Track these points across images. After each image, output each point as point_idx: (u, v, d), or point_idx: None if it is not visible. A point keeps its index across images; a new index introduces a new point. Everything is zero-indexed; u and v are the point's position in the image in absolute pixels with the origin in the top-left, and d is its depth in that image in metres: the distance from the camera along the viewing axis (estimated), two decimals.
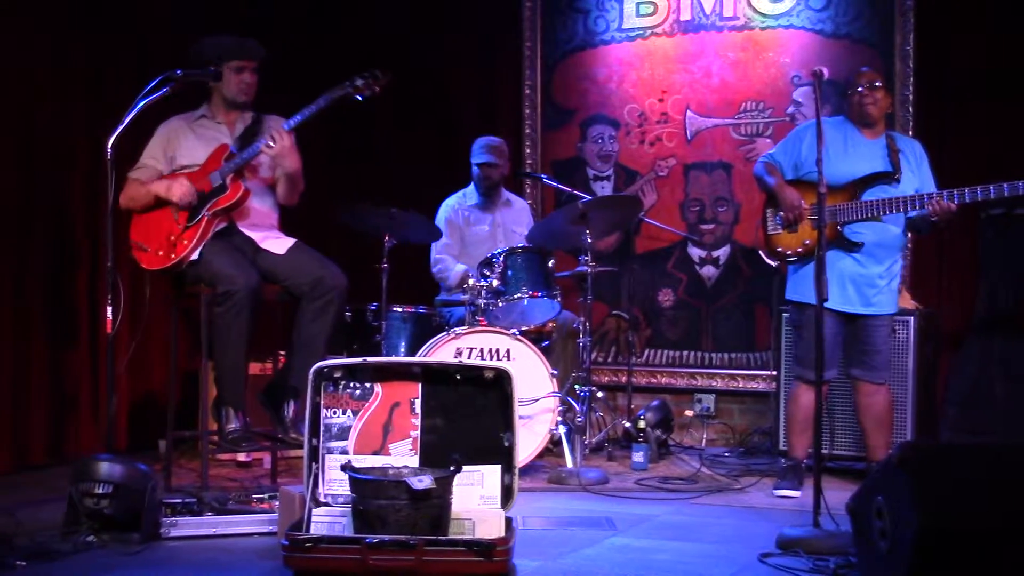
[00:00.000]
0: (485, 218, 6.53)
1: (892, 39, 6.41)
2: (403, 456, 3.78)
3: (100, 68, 5.89)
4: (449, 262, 6.39)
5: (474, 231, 6.51)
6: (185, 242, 4.92)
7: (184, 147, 5.12)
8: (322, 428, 3.78)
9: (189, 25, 6.00)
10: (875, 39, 6.47)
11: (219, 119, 5.20)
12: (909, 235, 5.52)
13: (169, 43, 5.96)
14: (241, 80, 5.12)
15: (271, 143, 4.93)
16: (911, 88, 6.35)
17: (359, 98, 4.93)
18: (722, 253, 6.90)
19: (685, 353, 6.99)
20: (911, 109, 6.34)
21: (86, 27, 5.81)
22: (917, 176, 5.02)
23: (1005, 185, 4.61)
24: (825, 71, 4.26)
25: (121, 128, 4.56)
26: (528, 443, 5.33)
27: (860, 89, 5.03)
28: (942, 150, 5.96)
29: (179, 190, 4.95)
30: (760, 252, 5.26)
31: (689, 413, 6.84)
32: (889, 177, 4.96)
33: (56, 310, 5.68)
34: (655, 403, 6.29)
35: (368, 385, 3.81)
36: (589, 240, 5.58)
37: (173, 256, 4.93)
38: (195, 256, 4.92)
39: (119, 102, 4.84)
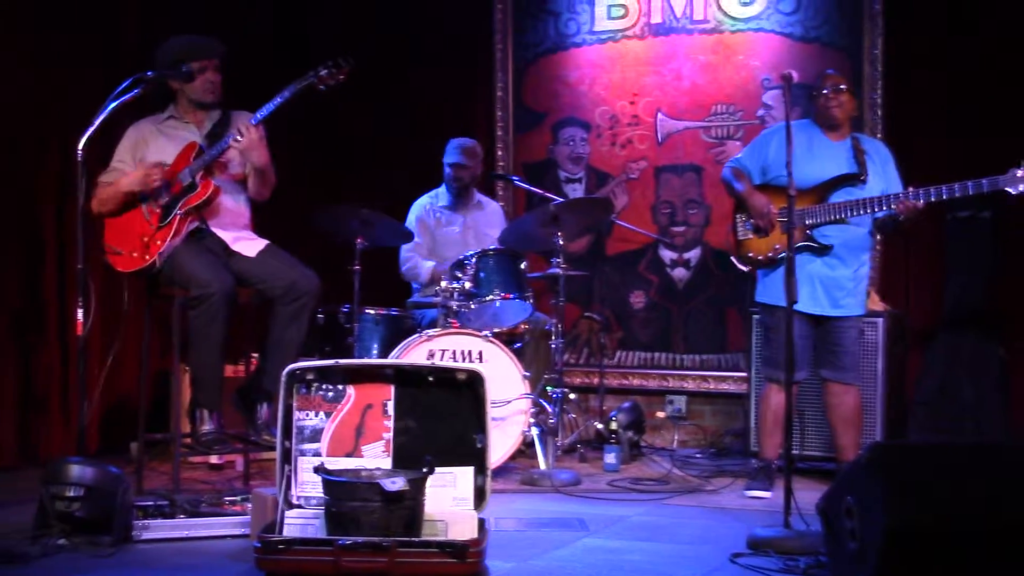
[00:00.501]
0: (456, 219, 6.54)
1: (861, 42, 6.46)
2: (376, 458, 3.78)
3: (70, 69, 5.86)
4: (418, 260, 6.40)
5: (444, 232, 6.52)
6: (158, 242, 4.89)
7: (153, 148, 5.09)
8: (295, 430, 3.77)
9: (160, 25, 5.97)
10: (844, 42, 6.51)
11: (187, 119, 5.17)
12: (877, 236, 5.57)
13: (139, 44, 5.95)
14: (205, 80, 5.10)
15: (239, 137, 4.92)
16: (879, 91, 6.39)
17: (323, 88, 4.90)
18: (693, 255, 6.94)
19: (657, 355, 7.02)
20: (879, 112, 6.39)
21: (57, 27, 5.78)
22: (883, 177, 5.06)
23: (969, 183, 4.65)
24: (794, 74, 4.32)
25: (92, 130, 4.54)
26: (501, 445, 5.34)
27: (825, 92, 5.07)
28: (911, 152, 5.99)
29: (143, 174, 4.92)
30: (732, 258, 5.27)
31: (661, 414, 6.86)
32: (855, 179, 5.00)
33: (27, 312, 5.66)
34: (627, 405, 6.32)
35: (340, 387, 3.82)
36: (561, 242, 5.60)
37: (147, 257, 4.90)
38: (168, 255, 4.89)
39: (89, 103, 4.82)
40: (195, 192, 4.94)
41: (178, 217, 4.92)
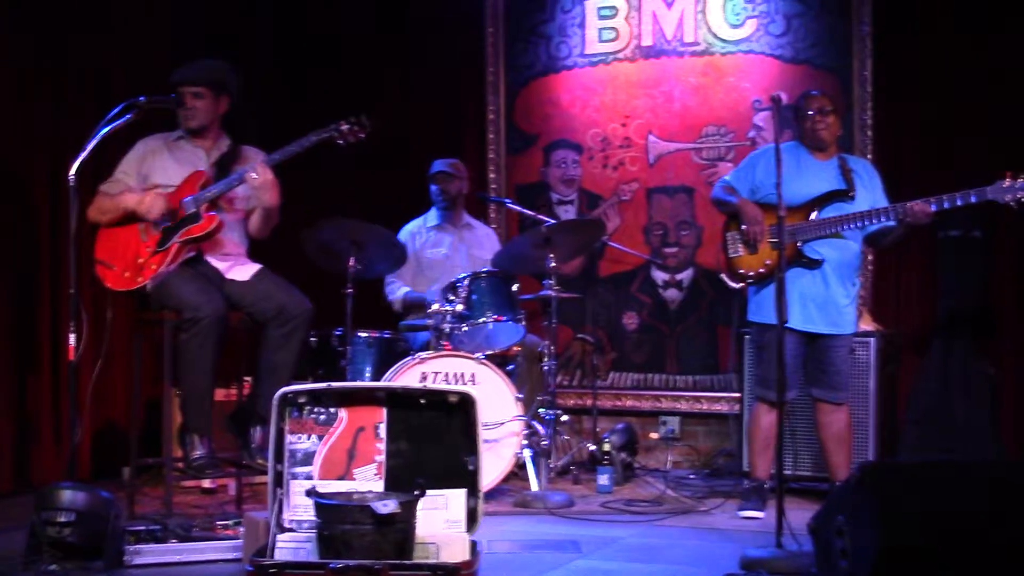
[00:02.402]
0: (443, 240, 6.56)
1: (851, 64, 6.49)
2: (368, 481, 3.78)
3: (62, 97, 5.88)
4: (395, 285, 6.42)
5: (430, 254, 6.54)
6: (153, 267, 4.89)
7: (159, 166, 5.09)
8: (286, 454, 3.77)
9: (153, 53, 6.02)
10: (834, 64, 6.54)
11: (196, 142, 5.17)
12: (869, 256, 5.58)
13: (129, 72, 5.99)
14: (182, 110, 5.09)
15: (254, 175, 4.92)
16: (869, 113, 6.42)
17: (341, 143, 4.94)
18: (685, 276, 6.95)
19: (650, 376, 7.02)
20: (870, 133, 6.42)
21: (50, 58, 5.80)
22: (871, 193, 5.09)
23: (958, 195, 4.69)
24: (784, 96, 4.32)
25: (84, 156, 4.55)
26: (493, 467, 5.33)
27: (811, 114, 5.11)
28: (900, 174, 6.04)
29: (150, 203, 4.92)
30: (722, 275, 5.29)
31: (654, 436, 6.86)
32: (844, 195, 5.03)
33: (19, 337, 5.65)
34: (620, 426, 6.32)
35: (332, 410, 3.81)
36: (553, 264, 5.61)
37: (140, 279, 4.89)
38: (157, 283, 4.89)
39: (81, 130, 4.84)
40: (198, 223, 4.93)
41: (176, 245, 4.91)
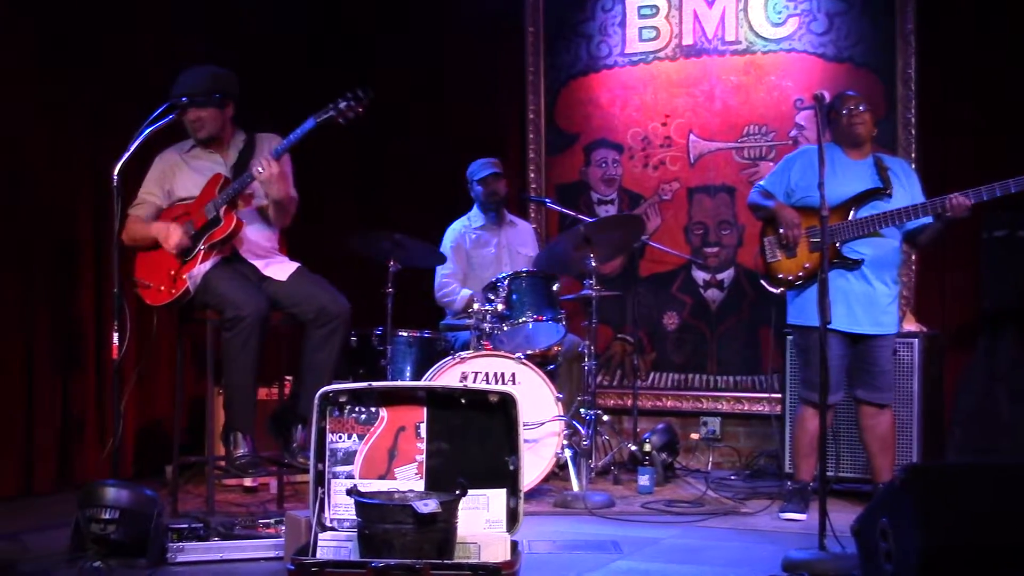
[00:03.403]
0: (491, 240, 6.56)
1: (894, 63, 6.44)
2: (408, 480, 3.78)
3: (104, 99, 5.93)
4: (455, 287, 6.42)
5: (480, 254, 6.53)
6: (184, 277, 4.92)
7: (180, 180, 5.12)
8: (328, 453, 3.78)
9: (192, 55, 6.04)
10: (877, 63, 6.49)
11: (211, 149, 5.18)
12: (912, 255, 5.53)
13: (169, 74, 6.03)
14: (186, 120, 5.07)
15: (260, 170, 4.92)
16: (913, 111, 6.37)
17: (342, 121, 4.88)
18: (726, 276, 6.92)
19: (690, 376, 7.00)
20: (913, 132, 6.36)
21: (90, 64, 5.86)
22: (908, 191, 5.04)
23: (1011, 181, 4.64)
24: (826, 95, 4.29)
25: (127, 155, 4.61)
26: (534, 467, 5.33)
27: (848, 111, 5.06)
28: (946, 174, 5.98)
29: (174, 239, 4.94)
30: (761, 281, 5.26)
31: (695, 436, 6.84)
32: (881, 193, 4.98)
33: (63, 336, 5.71)
34: (661, 426, 6.31)
35: (373, 410, 3.82)
36: (593, 264, 5.60)
37: (174, 291, 4.93)
38: (197, 285, 4.92)
39: (123, 130, 4.88)
40: (219, 227, 4.96)
41: (202, 252, 4.94)
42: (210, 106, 5.05)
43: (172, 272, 4.95)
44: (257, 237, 5.16)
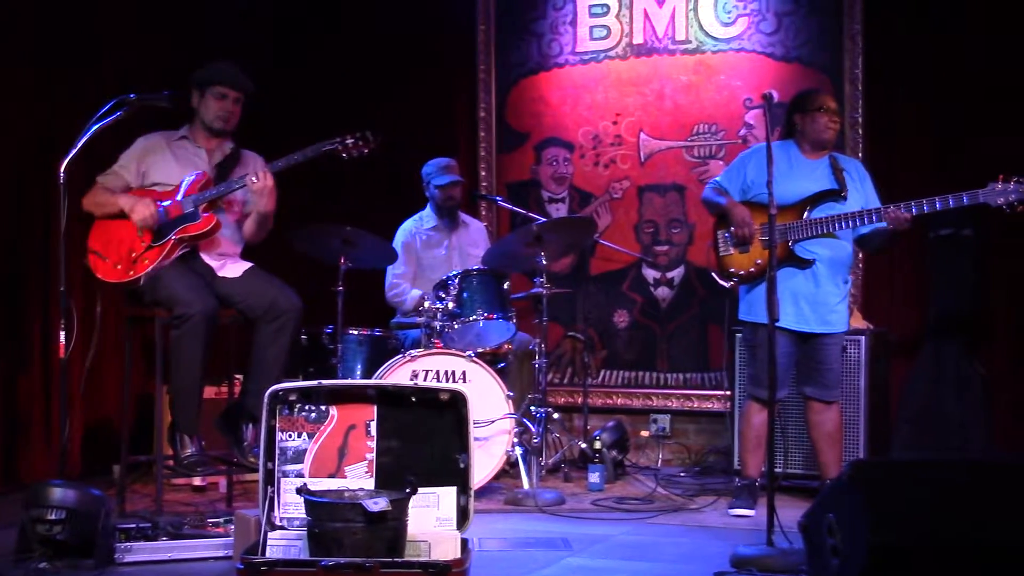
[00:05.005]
0: (442, 241, 6.55)
1: (841, 63, 6.51)
2: (359, 479, 3.77)
3: (50, 94, 5.86)
4: (405, 287, 6.40)
5: (431, 254, 6.53)
6: (146, 262, 4.88)
7: (158, 164, 5.09)
8: (277, 451, 3.76)
9: (146, 51, 6.01)
10: (825, 62, 6.55)
11: (199, 143, 5.17)
12: (859, 254, 5.58)
13: (120, 69, 5.99)
14: (222, 107, 5.10)
15: (255, 179, 4.93)
16: (860, 111, 6.43)
17: (344, 156, 4.99)
18: (676, 274, 6.96)
19: (640, 374, 7.03)
20: (860, 131, 6.43)
21: (40, 61, 5.79)
22: (862, 194, 5.09)
23: (951, 197, 4.68)
24: (775, 94, 4.31)
25: (74, 152, 4.56)
26: (484, 464, 5.34)
27: (827, 113, 5.08)
28: (891, 174, 6.04)
29: (142, 211, 4.89)
30: (712, 274, 5.29)
31: (645, 433, 6.87)
32: (836, 194, 5.02)
33: (8, 334, 5.64)
34: (611, 424, 6.32)
35: (323, 408, 3.80)
36: (544, 262, 5.61)
37: (131, 273, 4.88)
38: (149, 278, 4.88)
39: (72, 126, 4.83)
40: (195, 222, 4.93)
41: (172, 242, 4.91)
42: (242, 96, 5.15)
43: (133, 253, 4.90)
44: (225, 243, 5.15)
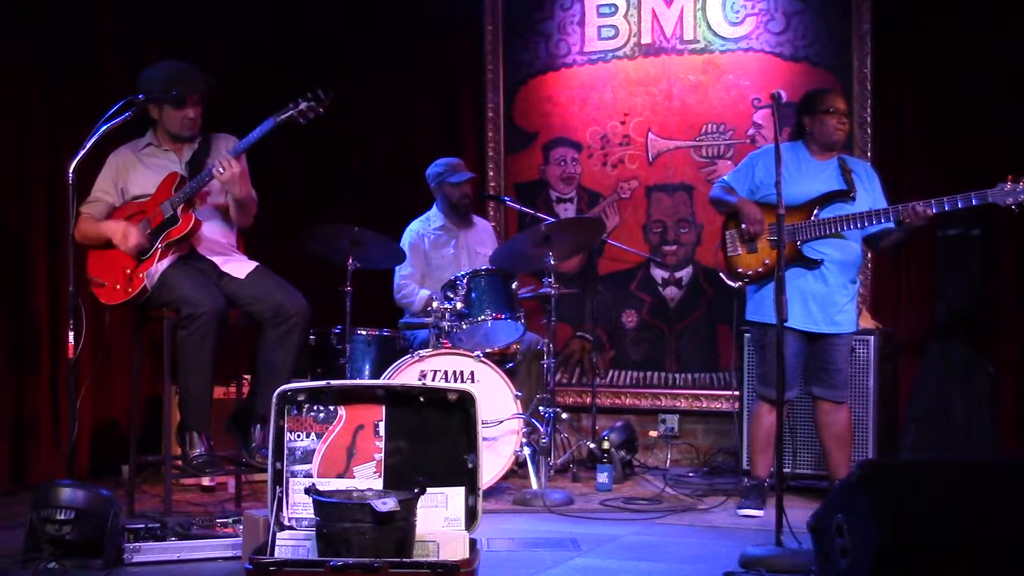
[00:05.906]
0: (450, 240, 6.54)
1: (850, 63, 6.49)
2: (367, 479, 3.77)
3: (58, 94, 5.87)
4: (414, 288, 6.40)
5: (439, 254, 6.51)
6: (141, 275, 4.88)
7: (134, 178, 5.08)
8: (286, 452, 3.77)
9: (147, 53, 6.00)
10: (833, 62, 6.54)
11: (166, 147, 5.13)
12: (868, 254, 5.57)
13: (125, 71, 5.99)
14: (183, 115, 5.03)
15: (220, 170, 4.88)
16: (869, 110, 6.42)
17: (303, 121, 4.86)
18: (685, 274, 6.95)
19: (649, 374, 7.02)
20: (869, 131, 6.42)
21: (42, 62, 5.80)
22: (870, 194, 5.08)
23: (959, 197, 4.67)
24: (783, 94, 4.31)
25: (82, 153, 4.55)
26: (493, 465, 5.33)
27: (832, 113, 5.07)
28: (900, 173, 6.04)
29: (132, 240, 4.89)
30: (721, 274, 5.28)
31: (653, 433, 6.86)
32: (844, 195, 5.02)
33: (17, 335, 5.65)
34: (619, 424, 6.32)
35: (332, 408, 3.81)
36: (552, 262, 5.61)
37: (130, 290, 4.89)
38: (155, 283, 4.89)
39: (78, 128, 4.83)
40: (176, 225, 4.92)
41: (159, 251, 4.91)
42: (201, 103, 5.08)
43: (128, 270, 4.91)
44: (215, 235, 5.13)
